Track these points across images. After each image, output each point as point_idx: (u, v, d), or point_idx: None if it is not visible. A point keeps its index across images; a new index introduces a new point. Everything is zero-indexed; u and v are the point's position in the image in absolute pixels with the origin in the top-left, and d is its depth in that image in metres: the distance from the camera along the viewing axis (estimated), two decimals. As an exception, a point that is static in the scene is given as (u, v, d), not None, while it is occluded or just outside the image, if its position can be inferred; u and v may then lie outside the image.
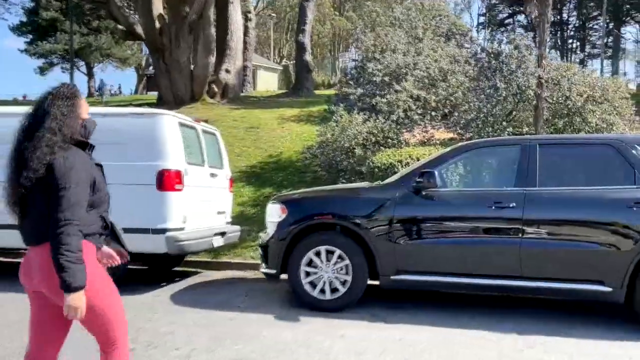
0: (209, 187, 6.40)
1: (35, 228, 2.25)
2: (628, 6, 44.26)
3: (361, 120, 9.73)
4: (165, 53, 17.71)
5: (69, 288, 2.12)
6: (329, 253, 5.14)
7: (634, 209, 4.63)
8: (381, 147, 9.63)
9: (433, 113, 10.25)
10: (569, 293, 4.82)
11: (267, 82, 36.66)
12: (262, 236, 5.63)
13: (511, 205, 4.84)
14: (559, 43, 43.67)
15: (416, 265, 5.01)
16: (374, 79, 10.58)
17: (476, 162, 5.48)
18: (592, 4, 44.95)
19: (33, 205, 2.25)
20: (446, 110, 10.38)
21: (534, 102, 9.09)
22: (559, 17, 46.04)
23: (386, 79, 10.60)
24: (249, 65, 26.44)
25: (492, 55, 8.95)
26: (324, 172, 10.35)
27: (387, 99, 9.98)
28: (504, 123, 9.33)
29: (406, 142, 9.96)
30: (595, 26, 45.80)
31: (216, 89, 18.73)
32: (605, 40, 44.39)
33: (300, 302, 5.18)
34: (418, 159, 7.46)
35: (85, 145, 2.39)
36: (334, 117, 9.95)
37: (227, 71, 19.24)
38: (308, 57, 23.93)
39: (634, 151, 4.82)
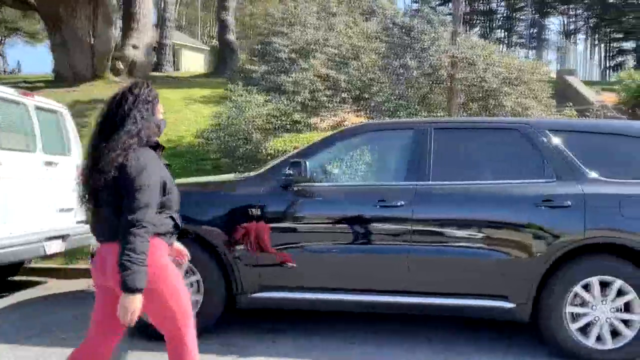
0: (43, 178, 5.10)
1: (108, 225, 2.29)
2: (551, -2, 45.58)
3: (262, 101, 8.63)
4: (62, 24, 15.76)
5: (126, 288, 2.15)
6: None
7: (542, 208, 3.81)
8: (288, 132, 8.60)
9: (344, 95, 9.30)
10: (467, 311, 3.95)
11: (194, 62, 34.68)
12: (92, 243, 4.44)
13: (399, 204, 3.91)
14: (488, 32, 44.34)
15: (283, 280, 3.99)
16: (280, 55, 9.49)
17: (362, 150, 4.51)
18: (518, -6, 45.88)
19: (106, 203, 2.29)
20: (358, 92, 9.46)
21: (448, 83, 8.31)
22: (488, 6, 46.83)
23: (293, 55, 9.54)
24: (168, 43, 24.65)
25: (403, 31, 8.06)
26: (226, 158, 9.20)
27: (292, 78, 8.93)
28: (417, 106, 8.51)
29: (316, 127, 8.98)
30: (522, 16, 46.93)
31: (121, 66, 16.98)
32: (530, 31, 45.51)
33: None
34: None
35: (156, 146, 2.42)
36: (232, 97, 8.79)
37: (135, 47, 17.49)
38: (231, 36, 22.53)
39: (543, 138, 3.99)
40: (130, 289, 2.13)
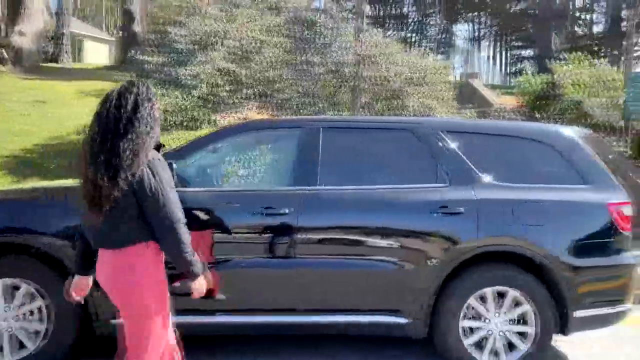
0: None
1: (121, 232, 2.26)
2: (460, 5, 47.84)
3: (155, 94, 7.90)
4: None
5: (196, 276, 2.34)
6: (16, 289, 3.36)
7: (436, 215, 3.53)
8: (186, 130, 7.94)
9: (246, 91, 8.78)
10: (360, 328, 3.60)
11: (98, 54, 32.48)
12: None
13: (285, 212, 3.48)
14: (401, 36, 45.50)
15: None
16: (177, 46, 8.79)
17: (245, 150, 4.04)
18: (429, 1, 47.61)
19: (117, 209, 2.23)
20: (261, 88, 8.97)
21: (352, 82, 8.05)
22: (399, 10, 48.09)
23: (192, 47, 8.87)
24: (67, 32, 22.78)
25: (305, 25, 7.68)
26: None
27: (191, 70, 8.28)
28: (324, 104, 8.17)
29: (217, 124, 8.39)
30: (432, 22, 48.68)
31: (5, 54, 15.34)
32: (440, 36, 47.27)
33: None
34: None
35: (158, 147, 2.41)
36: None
37: (22, 34, 15.89)
38: (137, 27, 21.19)
39: (436, 139, 3.72)
40: (198, 274, 2.34)
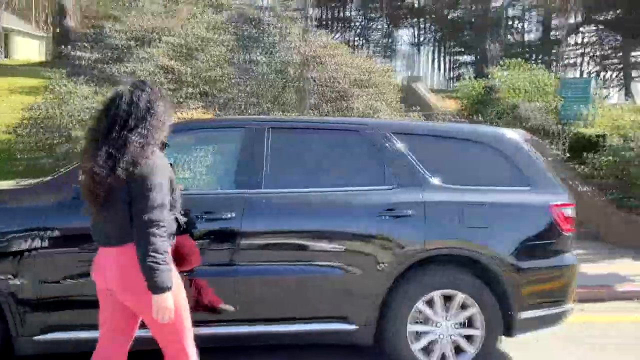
0: None
1: (119, 228, 2.24)
2: (402, 11, 49.08)
3: (89, 92, 7.47)
4: None
5: (156, 289, 2.17)
6: None
7: (384, 217, 3.46)
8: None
9: (190, 90, 8.48)
10: (308, 337, 3.46)
11: (29, 50, 30.76)
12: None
13: (228, 216, 3.31)
14: (346, 39, 45.89)
15: (79, 317, 3.15)
16: (113, 41, 8.37)
17: (186, 152, 3.83)
18: (373, 5, 48.47)
19: (117, 205, 2.23)
20: (206, 87, 8.69)
21: (299, 82, 7.93)
22: (344, 14, 48.52)
23: (131, 43, 8.47)
24: (-8, 27, 21.42)
25: (252, 23, 7.49)
26: (49, 158, 7.83)
27: (129, 67, 7.89)
28: (269, 105, 7.99)
29: (158, 124, 8.03)
30: (377, 26, 49.49)
31: None
32: (384, 40, 48.06)
33: None
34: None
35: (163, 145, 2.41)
36: (50, 87, 7.51)
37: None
38: (71, 21, 20.18)
39: (383, 140, 3.64)
40: (161, 289, 2.17)
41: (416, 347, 3.46)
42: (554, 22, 30.40)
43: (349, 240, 3.42)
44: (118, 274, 2.24)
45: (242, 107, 7.87)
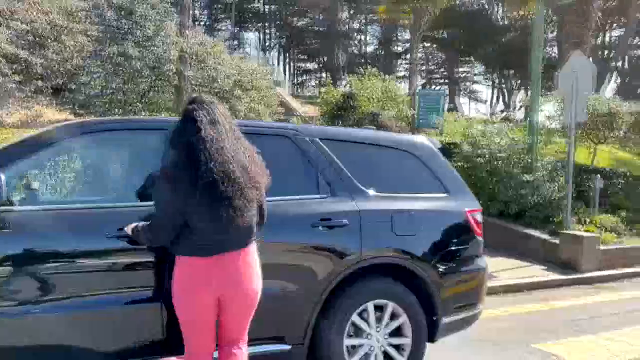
0: None
1: (252, 229, 2.59)
2: (248, 15, 49.47)
3: None
4: None
5: None
6: None
7: (321, 228, 3.29)
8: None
9: (40, 83, 7.36)
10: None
11: None
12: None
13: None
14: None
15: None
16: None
17: (94, 157, 3.25)
18: (219, 6, 47.80)
19: (254, 207, 2.58)
20: (60, 82, 7.62)
21: (175, 81, 7.35)
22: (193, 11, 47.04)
23: (-37, 25, 7.10)
24: None
25: (122, 12, 6.74)
26: None
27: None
28: (139, 104, 7.27)
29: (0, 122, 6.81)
30: (223, 27, 48.95)
31: None
32: (231, 42, 47.69)
33: None
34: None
35: None
36: None
37: None
38: None
39: (314, 147, 3.48)
40: None
41: (352, 361, 3.35)
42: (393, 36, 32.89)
43: (284, 254, 3.19)
44: (249, 271, 2.54)
45: (107, 106, 7.05)
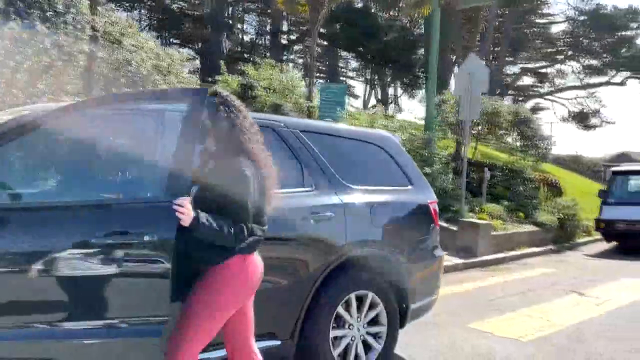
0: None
1: None
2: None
3: None
4: None
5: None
6: None
7: (310, 221, 3.27)
8: None
9: None
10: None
11: None
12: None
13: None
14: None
15: None
16: None
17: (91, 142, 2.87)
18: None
19: None
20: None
21: (83, 62, 6.71)
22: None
23: None
24: None
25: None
26: None
27: None
28: (41, 86, 6.51)
29: None
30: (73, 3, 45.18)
31: None
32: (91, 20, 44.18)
33: None
34: None
35: None
36: None
37: None
38: None
39: (298, 140, 3.44)
40: None
41: (336, 352, 3.39)
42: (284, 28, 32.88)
43: (278, 249, 3.12)
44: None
45: (4, 87, 6.25)
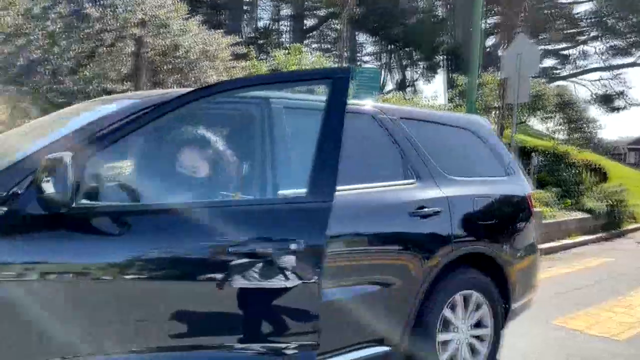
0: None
1: None
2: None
3: None
4: None
5: None
6: None
7: (417, 217, 2.98)
8: None
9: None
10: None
11: None
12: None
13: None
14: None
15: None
16: None
17: (197, 135, 2.61)
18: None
19: None
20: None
21: (130, 48, 6.45)
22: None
23: None
24: None
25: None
26: None
27: None
28: (87, 73, 6.28)
29: None
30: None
31: None
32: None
33: None
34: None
35: None
36: None
37: None
38: None
39: (397, 127, 3.14)
40: None
41: (443, 358, 3.13)
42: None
43: (383, 248, 2.85)
44: None
45: (46, 75, 6.04)
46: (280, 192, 2.44)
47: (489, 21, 28.10)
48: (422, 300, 2.99)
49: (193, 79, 6.48)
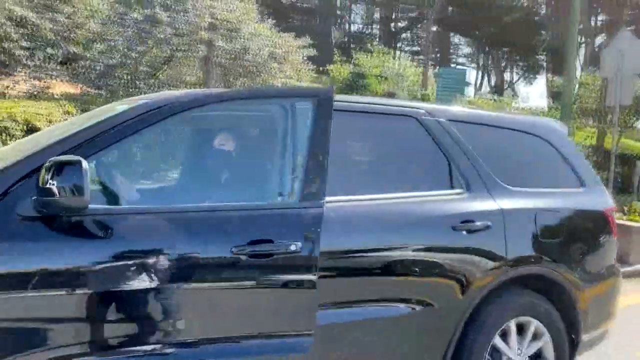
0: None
1: None
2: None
3: None
4: None
5: None
6: None
7: (462, 232, 2.65)
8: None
9: (50, 50, 6.52)
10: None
11: None
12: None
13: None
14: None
15: None
16: None
17: (198, 140, 2.55)
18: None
19: None
20: (72, 50, 6.77)
21: (200, 51, 6.57)
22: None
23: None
24: None
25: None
26: None
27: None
28: (161, 76, 6.49)
29: (4, 94, 5.99)
30: None
31: None
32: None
33: None
34: (29, 126, 3.93)
35: None
36: None
37: None
38: None
39: (444, 131, 2.82)
40: None
41: (491, 393, 2.76)
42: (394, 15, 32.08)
43: (420, 266, 2.55)
44: None
45: (124, 79, 6.26)
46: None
47: (598, 19, 26.09)
48: (465, 326, 2.66)
49: (261, 82, 6.48)
